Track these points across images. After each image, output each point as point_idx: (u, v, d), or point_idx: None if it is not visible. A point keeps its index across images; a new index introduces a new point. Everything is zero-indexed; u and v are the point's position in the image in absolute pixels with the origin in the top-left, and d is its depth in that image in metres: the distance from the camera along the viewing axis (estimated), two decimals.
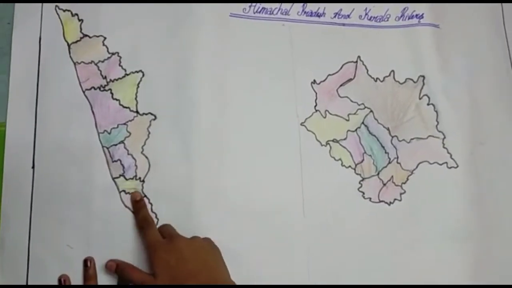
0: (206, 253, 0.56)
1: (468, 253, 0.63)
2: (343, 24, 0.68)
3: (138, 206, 0.58)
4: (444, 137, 0.66)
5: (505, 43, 0.71)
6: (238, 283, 0.56)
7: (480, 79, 0.69)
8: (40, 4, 0.62)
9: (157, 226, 0.58)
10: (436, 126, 0.66)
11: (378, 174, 0.64)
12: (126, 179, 0.59)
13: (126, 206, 0.58)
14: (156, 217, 0.59)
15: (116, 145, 0.60)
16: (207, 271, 0.53)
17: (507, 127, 0.68)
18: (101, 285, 0.56)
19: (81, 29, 0.62)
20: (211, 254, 0.56)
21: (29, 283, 0.55)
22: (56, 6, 0.62)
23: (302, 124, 0.64)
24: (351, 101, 0.66)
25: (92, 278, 0.55)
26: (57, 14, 0.62)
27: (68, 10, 0.62)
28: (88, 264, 0.55)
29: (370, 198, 0.64)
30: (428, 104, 0.67)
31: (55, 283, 0.55)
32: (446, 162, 0.66)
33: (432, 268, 0.63)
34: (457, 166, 0.65)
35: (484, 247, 0.64)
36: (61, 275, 0.55)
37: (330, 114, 0.65)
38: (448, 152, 0.66)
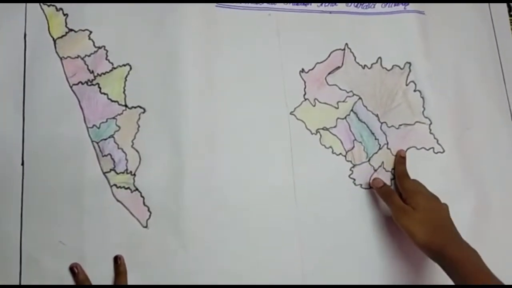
0: (447, 209, 0.61)
1: None
2: (330, 12, 0.68)
3: (377, 183, 0.63)
4: (431, 123, 0.67)
5: (491, 28, 0.71)
6: (232, 272, 0.57)
7: (466, 65, 0.70)
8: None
9: None
10: (423, 112, 0.67)
11: (369, 160, 0.65)
12: (117, 173, 0.59)
13: (118, 200, 0.58)
14: (148, 210, 0.59)
15: (105, 139, 0.60)
16: (450, 221, 0.60)
17: (493, 112, 0.69)
18: (101, 285, 0.56)
19: (66, 23, 0.61)
20: (448, 221, 0.60)
21: (22, 282, 0.55)
22: (40, 2, 0.61)
23: (291, 113, 0.64)
24: (340, 88, 0.66)
25: (84, 282, 0.55)
26: (42, 9, 0.61)
27: (53, 5, 0.61)
28: (75, 271, 0.55)
29: (361, 185, 0.64)
30: (414, 91, 0.68)
31: (49, 280, 0.55)
32: (433, 147, 0.66)
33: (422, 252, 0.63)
34: (444, 151, 0.66)
35: (473, 229, 0.65)
36: (72, 264, 0.55)
37: (319, 102, 0.65)
38: (435, 138, 0.67)
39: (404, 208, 0.60)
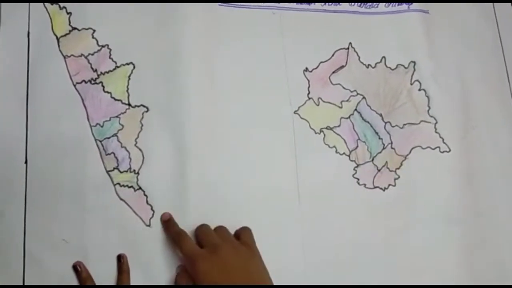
0: (250, 262, 0.55)
1: (462, 236, 0.64)
2: (334, 11, 0.68)
3: (168, 224, 0.57)
4: (436, 122, 0.66)
5: (495, 26, 0.71)
6: None
7: (471, 63, 0.69)
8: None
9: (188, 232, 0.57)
10: (428, 111, 0.67)
11: (372, 160, 0.65)
12: (121, 172, 0.59)
13: (121, 199, 0.58)
14: (151, 209, 0.58)
15: (109, 138, 0.59)
16: (251, 282, 0.52)
17: (498, 111, 0.69)
18: (101, 285, 0.56)
19: (69, 22, 0.61)
20: (254, 264, 0.55)
21: (25, 281, 0.54)
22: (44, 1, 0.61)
23: (295, 112, 0.64)
24: (344, 88, 0.66)
25: (87, 280, 0.55)
26: (45, 8, 0.61)
27: (56, 4, 0.61)
28: (78, 269, 0.55)
29: (365, 184, 0.64)
30: (419, 90, 0.67)
31: (52, 279, 0.55)
32: (439, 147, 0.66)
33: (427, 252, 0.63)
34: (450, 151, 0.66)
35: (477, 229, 0.65)
36: (75, 262, 0.55)
37: (323, 101, 0.65)
38: (441, 137, 0.66)
39: None
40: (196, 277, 0.52)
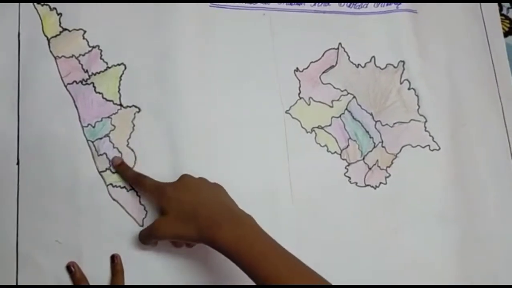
0: (214, 186, 0.57)
1: (453, 233, 0.65)
2: (324, 12, 0.68)
3: (123, 168, 0.58)
4: (426, 121, 0.67)
5: (482, 26, 0.72)
6: (227, 271, 0.57)
7: (459, 62, 0.70)
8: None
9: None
10: (418, 110, 0.68)
11: (363, 158, 0.65)
12: (113, 172, 0.59)
13: (113, 199, 0.58)
14: (144, 209, 0.58)
15: (101, 138, 0.59)
16: (217, 201, 0.54)
17: (487, 108, 0.70)
18: (98, 285, 0.56)
19: (60, 23, 0.61)
20: (218, 188, 0.57)
21: (19, 282, 0.54)
22: (34, 1, 0.61)
23: (286, 112, 0.64)
24: (334, 87, 0.66)
25: (81, 281, 0.55)
26: (35, 9, 0.61)
27: (46, 5, 0.61)
28: (72, 270, 0.55)
29: (356, 183, 0.64)
30: (409, 89, 0.68)
31: (46, 280, 0.55)
32: (429, 145, 0.67)
33: (419, 249, 0.64)
34: (439, 149, 0.67)
35: (468, 226, 0.65)
36: (69, 262, 0.55)
37: (314, 101, 0.66)
38: (430, 135, 0.67)
39: (155, 224, 0.54)
40: (165, 203, 0.54)
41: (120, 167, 0.58)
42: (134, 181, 0.58)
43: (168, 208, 0.54)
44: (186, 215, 0.52)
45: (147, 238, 0.56)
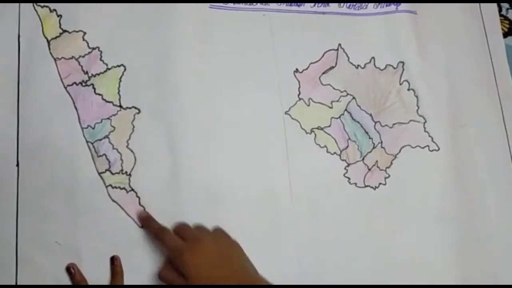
0: (232, 252, 0.56)
1: (453, 233, 0.65)
2: (323, 13, 0.68)
3: (148, 222, 0.58)
4: (425, 121, 0.67)
5: (481, 26, 0.72)
6: None
7: (458, 63, 0.70)
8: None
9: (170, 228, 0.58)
10: (417, 110, 0.68)
11: (363, 159, 0.65)
12: (112, 174, 0.59)
13: (113, 201, 0.58)
14: (144, 210, 0.58)
15: (100, 140, 0.59)
16: (236, 272, 0.54)
17: (486, 109, 0.70)
18: (97, 285, 0.56)
19: (60, 24, 0.61)
20: (237, 253, 0.56)
21: (18, 283, 0.54)
22: (34, 3, 0.61)
23: (286, 112, 0.64)
24: (334, 88, 0.66)
25: (80, 282, 0.55)
26: (35, 10, 0.61)
27: (46, 6, 0.61)
28: (72, 271, 0.55)
29: (356, 183, 0.64)
30: (408, 90, 0.68)
31: (46, 281, 0.55)
32: (428, 146, 0.67)
33: (418, 249, 0.64)
34: (439, 149, 0.67)
35: (468, 226, 0.65)
36: (68, 264, 0.55)
37: (314, 102, 0.66)
38: (430, 136, 0.67)
39: (176, 282, 0.53)
40: (184, 267, 0.53)
41: (147, 221, 0.58)
42: (158, 235, 0.56)
43: (187, 274, 0.52)
44: (204, 282, 0.52)
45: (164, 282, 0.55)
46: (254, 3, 0.67)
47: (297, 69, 0.66)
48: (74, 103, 0.60)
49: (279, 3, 0.67)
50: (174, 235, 0.56)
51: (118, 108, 0.61)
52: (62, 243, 0.56)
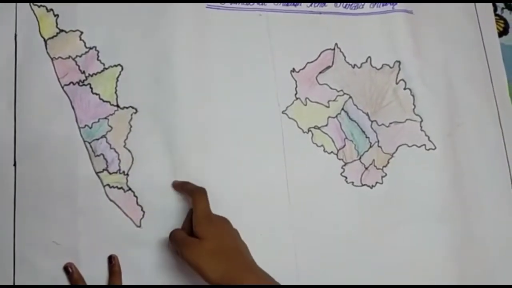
0: (236, 232, 0.56)
1: (450, 232, 0.65)
2: (320, 13, 0.68)
3: (184, 184, 0.58)
4: (422, 120, 0.68)
5: (477, 26, 0.73)
6: None
7: (454, 62, 0.71)
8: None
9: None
10: (413, 109, 0.68)
11: (360, 158, 0.65)
12: (110, 173, 0.59)
13: (111, 200, 0.58)
14: (142, 210, 0.59)
15: (98, 139, 0.59)
16: (242, 247, 0.55)
17: (482, 107, 0.70)
18: (95, 285, 0.56)
19: (57, 24, 0.61)
20: (237, 233, 0.56)
21: (16, 283, 0.54)
22: (31, 2, 0.61)
23: (283, 112, 0.65)
24: (331, 88, 0.67)
25: (78, 281, 0.55)
26: (32, 10, 0.61)
27: (43, 6, 0.61)
28: (70, 271, 0.55)
29: (353, 182, 0.65)
30: (404, 89, 0.68)
31: (43, 280, 0.55)
32: (424, 144, 0.67)
33: (415, 248, 0.64)
34: (435, 148, 0.67)
35: (465, 225, 0.66)
36: (66, 263, 0.55)
37: (311, 101, 0.66)
38: (426, 135, 0.67)
39: (188, 241, 0.52)
40: (212, 229, 0.53)
41: (181, 185, 0.59)
42: (195, 193, 0.56)
43: (207, 235, 0.52)
44: (224, 251, 0.52)
45: (173, 242, 0.54)
46: (251, 3, 0.67)
47: (294, 69, 0.66)
48: (71, 102, 0.60)
49: (275, 3, 0.67)
50: (179, 229, 0.56)
51: (115, 108, 0.61)
52: (60, 242, 0.56)
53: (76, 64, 0.61)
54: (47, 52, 0.60)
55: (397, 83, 0.68)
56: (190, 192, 0.57)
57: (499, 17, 0.75)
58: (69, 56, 0.61)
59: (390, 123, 0.67)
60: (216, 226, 0.54)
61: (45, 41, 0.60)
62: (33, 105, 0.58)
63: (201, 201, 0.55)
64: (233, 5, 0.66)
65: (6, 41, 0.59)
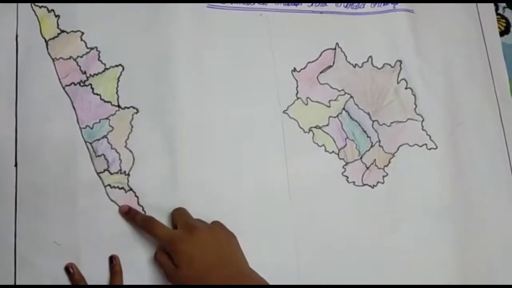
0: (226, 243, 0.56)
1: (451, 231, 0.65)
2: (321, 12, 0.68)
3: (131, 215, 0.57)
4: (423, 120, 0.67)
5: (478, 25, 0.73)
6: None
7: (456, 62, 0.71)
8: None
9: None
10: (415, 109, 0.68)
11: (361, 158, 0.65)
12: (111, 174, 0.59)
13: (112, 200, 0.58)
14: (143, 210, 0.59)
15: (99, 140, 0.59)
16: (228, 263, 0.54)
17: (484, 107, 0.70)
18: (96, 285, 0.56)
19: (58, 24, 0.61)
20: (230, 244, 0.57)
21: (17, 283, 0.54)
22: (32, 3, 0.61)
23: (284, 112, 0.65)
24: (332, 87, 0.67)
25: (79, 282, 0.55)
26: (33, 10, 0.61)
27: (44, 7, 0.61)
28: (71, 271, 0.55)
29: (354, 182, 0.64)
30: (406, 88, 0.68)
31: (45, 281, 0.55)
32: (426, 144, 0.67)
33: (417, 247, 0.64)
34: (437, 147, 0.67)
35: (466, 224, 0.66)
36: (67, 264, 0.55)
37: (312, 101, 0.66)
38: (427, 134, 0.67)
39: (168, 269, 0.53)
40: (175, 256, 0.53)
41: (128, 215, 0.57)
42: (144, 227, 0.56)
43: (178, 263, 0.53)
44: (197, 274, 0.52)
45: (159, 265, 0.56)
46: (252, 3, 0.67)
47: (294, 68, 0.66)
48: (72, 103, 0.60)
49: (276, 3, 0.67)
50: (162, 224, 0.56)
51: (117, 108, 0.61)
52: (61, 243, 0.56)
53: (77, 65, 0.61)
54: (48, 53, 0.60)
55: (398, 83, 0.68)
56: (140, 226, 0.57)
57: (500, 17, 0.75)
58: (70, 57, 0.61)
59: (391, 122, 0.67)
60: (189, 244, 0.53)
61: (46, 41, 0.61)
62: (34, 106, 0.59)
63: (154, 231, 0.56)
64: (234, 5, 0.66)
65: (7, 42, 0.59)
